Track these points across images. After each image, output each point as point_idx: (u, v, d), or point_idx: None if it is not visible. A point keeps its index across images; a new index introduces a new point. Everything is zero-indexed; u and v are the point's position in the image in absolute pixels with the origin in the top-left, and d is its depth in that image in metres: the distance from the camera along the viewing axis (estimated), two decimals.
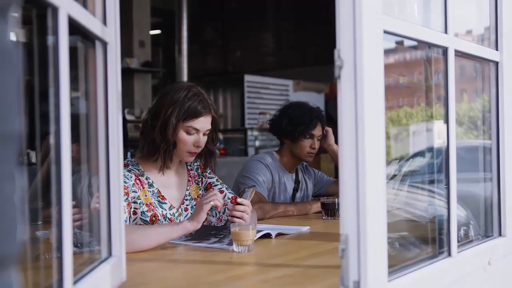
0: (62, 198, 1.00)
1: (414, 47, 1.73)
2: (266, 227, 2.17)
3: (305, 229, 2.32)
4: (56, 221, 1.00)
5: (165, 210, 2.20)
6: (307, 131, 2.94)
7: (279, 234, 2.15)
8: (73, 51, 1.08)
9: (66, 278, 1.00)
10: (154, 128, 2.15)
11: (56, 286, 0.99)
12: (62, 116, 1.00)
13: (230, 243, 1.89)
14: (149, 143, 2.18)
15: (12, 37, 0.55)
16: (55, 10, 0.98)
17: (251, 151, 7.26)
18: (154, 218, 2.14)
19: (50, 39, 1.00)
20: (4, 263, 0.53)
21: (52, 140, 1.01)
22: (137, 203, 2.12)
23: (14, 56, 0.54)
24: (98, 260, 1.31)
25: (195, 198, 2.33)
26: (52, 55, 1.00)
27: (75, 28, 1.10)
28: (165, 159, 2.19)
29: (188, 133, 2.16)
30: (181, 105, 2.13)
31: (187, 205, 2.30)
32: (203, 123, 2.18)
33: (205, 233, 2.09)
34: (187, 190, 2.32)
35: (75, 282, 1.07)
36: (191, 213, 2.27)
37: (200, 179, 2.39)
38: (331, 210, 2.62)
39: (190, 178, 2.36)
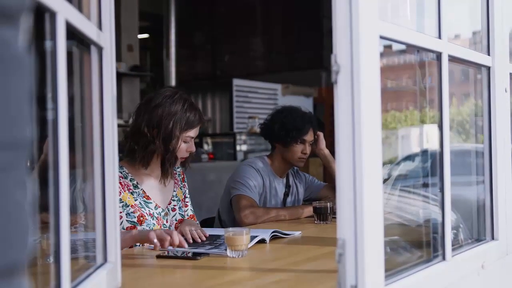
0: (59, 204, 0.99)
1: (402, 51, 1.74)
2: (259, 232, 2.17)
3: (297, 233, 2.32)
4: (54, 227, 0.99)
5: (151, 209, 2.26)
6: (299, 136, 2.94)
7: (274, 237, 2.16)
8: (68, 56, 1.07)
9: (63, 284, 0.99)
10: (153, 139, 2.21)
11: None
12: (59, 120, 0.99)
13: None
14: (149, 154, 2.23)
15: (23, 44, 0.54)
16: (53, 15, 0.98)
17: (240, 155, 7.24)
18: (141, 218, 2.21)
19: (47, 44, 1.00)
20: (18, 269, 0.53)
21: (49, 145, 1.00)
22: (120, 206, 2.16)
23: (25, 63, 0.53)
24: (94, 266, 1.31)
25: (181, 200, 2.42)
26: (50, 59, 0.99)
27: (71, 32, 1.09)
28: (169, 169, 2.28)
29: (185, 141, 2.28)
30: (181, 117, 2.23)
31: (174, 205, 2.38)
32: (197, 130, 2.32)
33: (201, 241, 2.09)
34: (174, 191, 2.40)
35: None
36: (179, 213, 2.38)
37: (183, 184, 2.49)
38: (323, 215, 2.62)
39: (176, 181, 2.44)
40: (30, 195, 0.56)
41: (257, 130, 3.14)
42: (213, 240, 2.11)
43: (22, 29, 0.55)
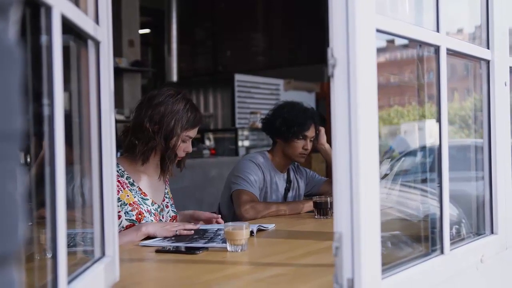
0: (56, 198, 0.99)
1: (405, 46, 1.74)
2: (253, 227, 2.17)
3: (271, 226, 2.35)
4: (50, 221, 0.99)
5: (149, 206, 2.29)
6: (301, 132, 2.94)
7: (259, 230, 2.21)
8: (65, 51, 1.07)
9: (60, 277, 0.99)
10: (154, 136, 2.23)
11: (51, 285, 0.98)
12: (55, 116, 0.99)
13: (224, 241, 1.88)
14: (149, 149, 2.26)
15: (13, 36, 0.54)
16: (48, 9, 0.98)
17: (241, 151, 7.24)
18: (140, 216, 2.23)
19: (43, 38, 1.00)
20: (7, 260, 0.53)
21: (45, 140, 1.00)
22: (118, 205, 2.17)
23: (16, 55, 0.54)
24: (92, 260, 1.31)
25: (171, 198, 2.48)
26: (46, 54, 0.99)
27: (67, 27, 1.09)
28: (169, 166, 2.31)
29: (184, 141, 2.30)
30: (183, 116, 2.26)
31: (167, 202, 2.43)
32: (196, 131, 2.35)
33: (189, 236, 2.08)
34: (166, 189, 2.45)
35: (69, 282, 1.07)
36: (172, 210, 2.43)
37: (169, 184, 2.53)
38: (323, 209, 2.62)
39: (167, 179, 2.48)
40: (21, 186, 0.56)
41: (259, 125, 3.13)
42: (203, 235, 2.11)
43: (12, 22, 0.55)
